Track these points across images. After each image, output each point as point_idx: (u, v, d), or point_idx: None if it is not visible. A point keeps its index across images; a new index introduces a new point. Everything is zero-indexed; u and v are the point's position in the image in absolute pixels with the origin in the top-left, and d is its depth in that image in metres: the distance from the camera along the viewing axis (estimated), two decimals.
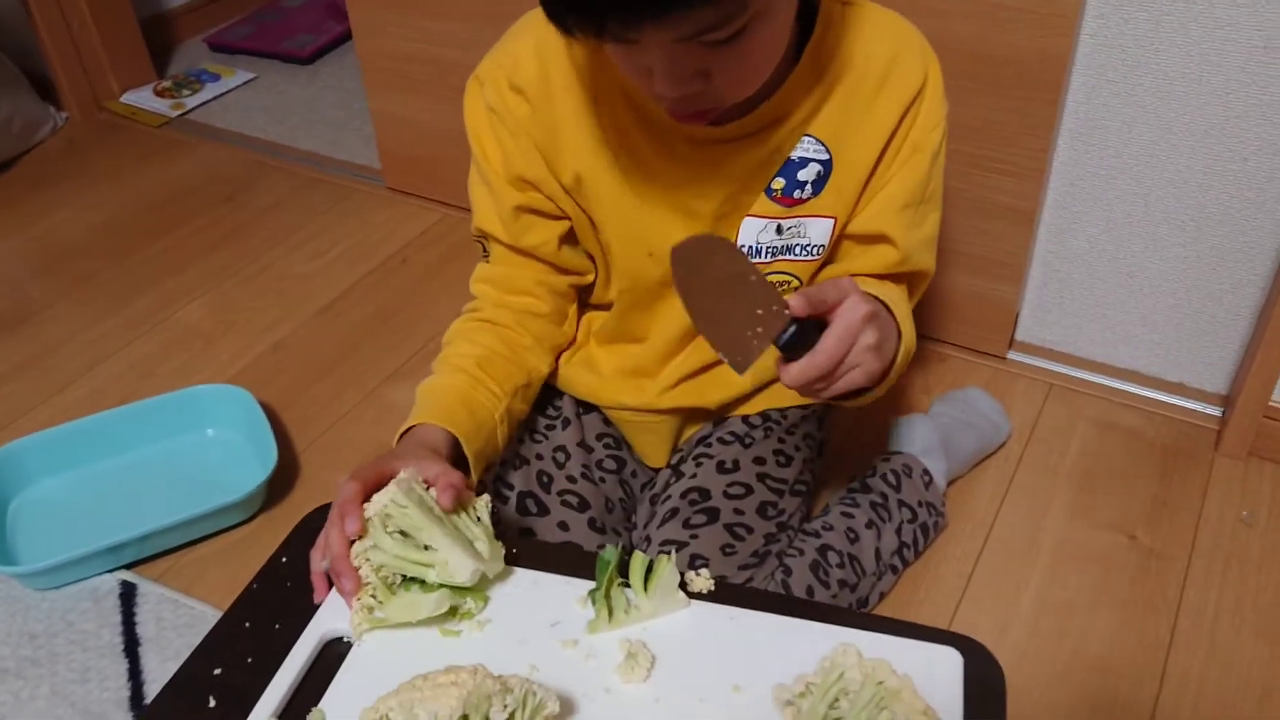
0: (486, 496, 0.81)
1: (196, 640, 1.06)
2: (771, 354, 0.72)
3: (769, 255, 0.93)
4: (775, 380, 1.04)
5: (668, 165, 0.87)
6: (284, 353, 1.46)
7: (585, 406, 1.07)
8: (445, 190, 1.72)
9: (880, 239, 0.90)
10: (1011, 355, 1.38)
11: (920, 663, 0.74)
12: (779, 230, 0.91)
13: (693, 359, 0.99)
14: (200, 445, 1.29)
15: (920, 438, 1.17)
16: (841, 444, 1.26)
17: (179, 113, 2.04)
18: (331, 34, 2.24)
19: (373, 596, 0.79)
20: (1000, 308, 1.35)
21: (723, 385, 1.01)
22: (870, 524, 1.06)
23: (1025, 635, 1.06)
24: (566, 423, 1.04)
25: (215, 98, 2.10)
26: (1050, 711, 0.99)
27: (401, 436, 0.86)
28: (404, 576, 0.78)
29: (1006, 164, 1.23)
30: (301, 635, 0.80)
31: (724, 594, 0.82)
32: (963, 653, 0.77)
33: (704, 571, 0.81)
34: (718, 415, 1.06)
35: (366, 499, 0.77)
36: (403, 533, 0.78)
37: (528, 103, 0.86)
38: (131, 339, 1.50)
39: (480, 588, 0.78)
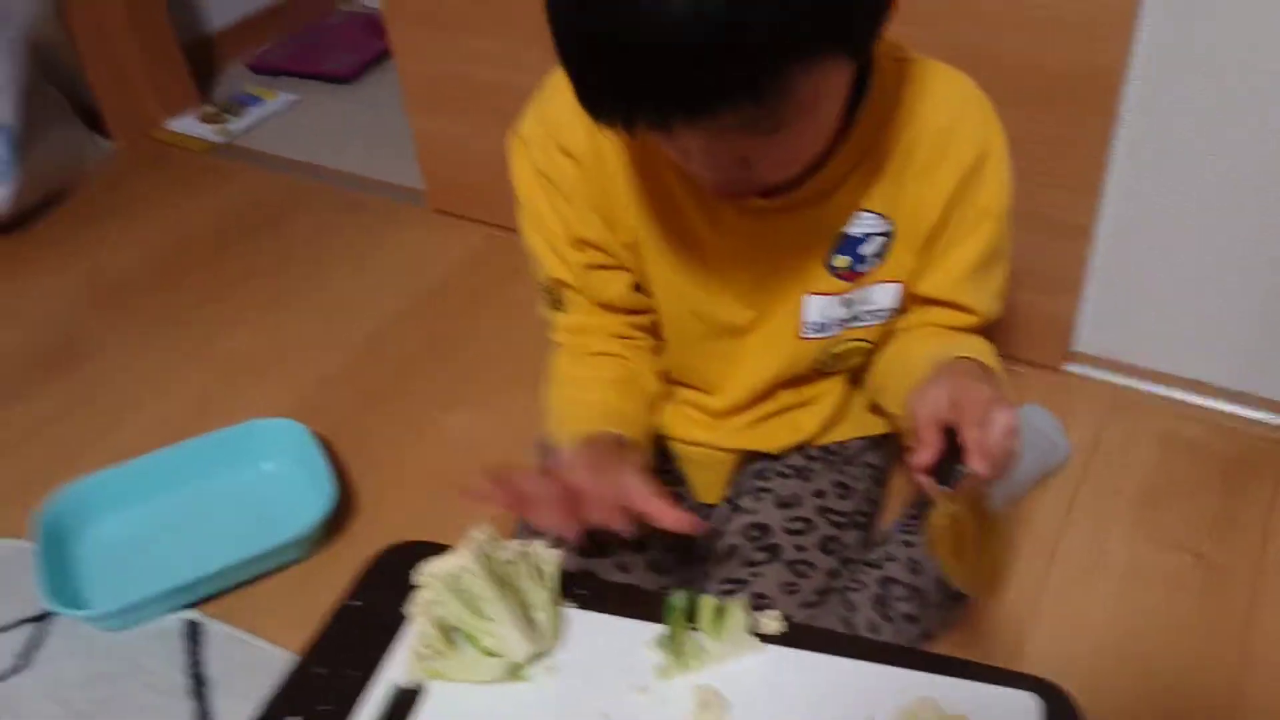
0: (558, 554, 0.81)
1: (262, 681, 1.07)
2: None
3: (837, 327, 0.91)
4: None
5: (714, 234, 0.85)
6: (334, 383, 1.47)
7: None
8: (489, 211, 1.72)
9: (955, 306, 0.88)
10: (1069, 367, 1.36)
11: (998, 710, 0.73)
12: (846, 304, 0.90)
13: (765, 406, 0.99)
14: (258, 480, 1.30)
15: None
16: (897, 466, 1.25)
17: (223, 138, 2.06)
18: (372, 51, 2.25)
19: (429, 646, 0.80)
20: (1057, 319, 1.33)
21: (792, 430, 1.01)
22: None
23: (1095, 661, 1.04)
24: None
25: (259, 121, 2.11)
26: None
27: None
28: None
29: (1061, 177, 1.20)
30: (375, 683, 0.81)
31: (795, 636, 0.81)
32: (1043, 698, 0.76)
33: (774, 613, 0.81)
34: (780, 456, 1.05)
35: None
36: (469, 594, 0.79)
37: (578, 166, 0.84)
38: (182, 373, 1.51)
39: (549, 636, 0.79)
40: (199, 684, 1.08)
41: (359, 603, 0.89)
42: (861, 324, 0.92)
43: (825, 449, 1.05)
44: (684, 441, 1.03)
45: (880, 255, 0.87)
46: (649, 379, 0.96)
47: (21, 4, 1.74)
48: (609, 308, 0.93)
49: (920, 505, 1.12)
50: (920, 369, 0.82)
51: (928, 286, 0.89)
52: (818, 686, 0.75)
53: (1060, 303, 1.31)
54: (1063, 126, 1.17)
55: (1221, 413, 1.28)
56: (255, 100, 2.16)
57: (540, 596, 0.80)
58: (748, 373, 0.95)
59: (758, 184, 0.75)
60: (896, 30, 0.68)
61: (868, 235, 0.86)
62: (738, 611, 0.76)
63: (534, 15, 1.61)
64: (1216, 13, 1.07)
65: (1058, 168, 1.20)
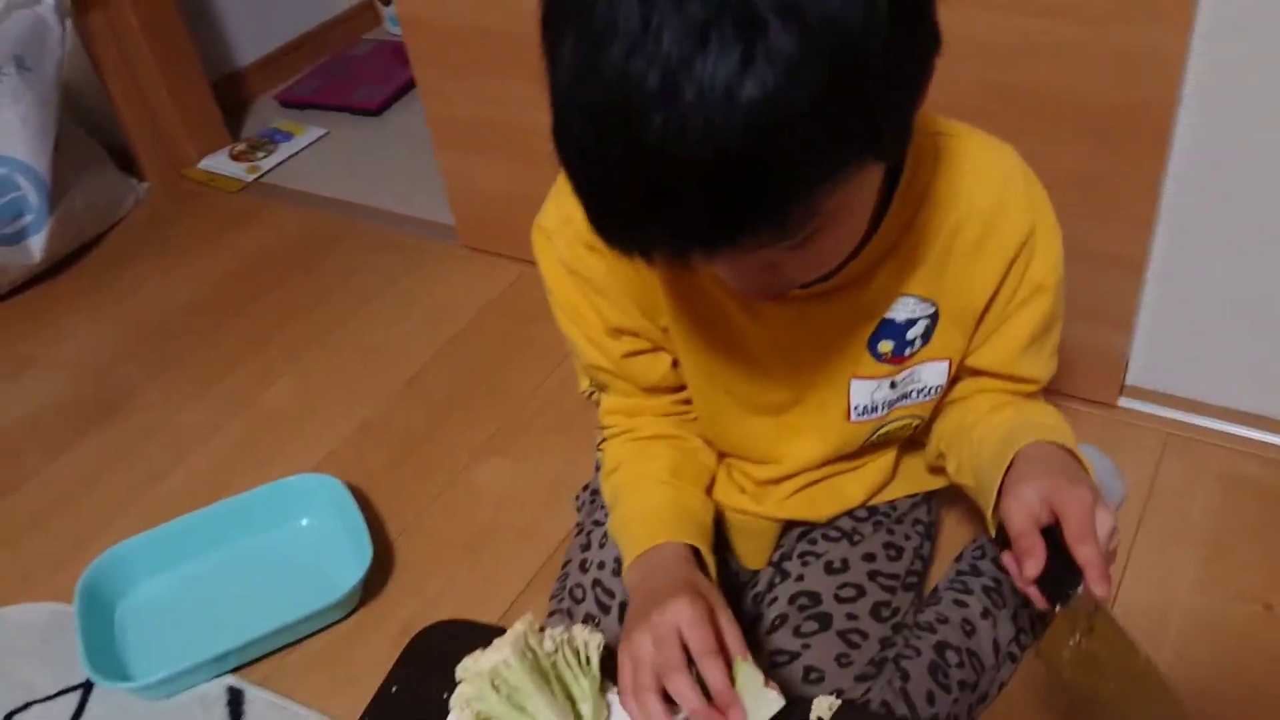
0: (600, 638, 0.79)
1: None
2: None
3: (885, 408, 0.89)
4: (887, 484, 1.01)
5: (751, 322, 0.83)
6: (370, 432, 1.46)
7: None
8: (520, 247, 1.68)
9: (1013, 379, 0.86)
10: (1123, 402, 1.31)
11: None
12: (893, 385, 0.87)
13: (812, 474, 0.96)
14: (295, 536, 1.29)
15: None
16: (945, 519, 1.21)
17: (255, 176, 2.06)
18: (398, 81, 2.24)
19: None
20: (1109, 354, 1.28)
21: (839, 498, 0.98)
22: (985, 613, 1.01)
23: None
24: None
25: (289, 158, 2.11)
26: None
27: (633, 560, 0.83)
28: None
29: (1111, 211, 1.16)
30: None
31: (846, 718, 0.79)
32: None
33: (827, 698, 0.79)
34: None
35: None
36: (510, 689, 0.77)
37: (604, 259, 0.81)
38: (220, 424, 1.51)
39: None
40: None
41: (395, 689, 0.88)
42: (911, 402, 0.89)
43: (873, 509, 1.02)
44: (728, 508, 1.00)
45: (926, 337, 0.84)
46: (705, 452, 0.95)
47: (52, 52, 1.74)
48: (654, 390, 0.91)
49: (974, 560, 1.09)
50: (992, 446, 0.81)
51: (983, 361, 0.85)
52: None
53: (1113, 338, 1.27)
54: (1113, 160, 1.13)
55: None
56: (285, 135, 2.16)
57: (583, 686, 0.78)
58: (798, 453, 0.93)
59: (788, 286, 0.71)
60: (942, 71, 0.63)
61: (913, 320, 0.82)
62: (745, 670, 0.74)
63: None
64: (1268, 44, 1.02)
65: (1108, 201, 1.16)
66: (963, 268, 0.80)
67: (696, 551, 0.83)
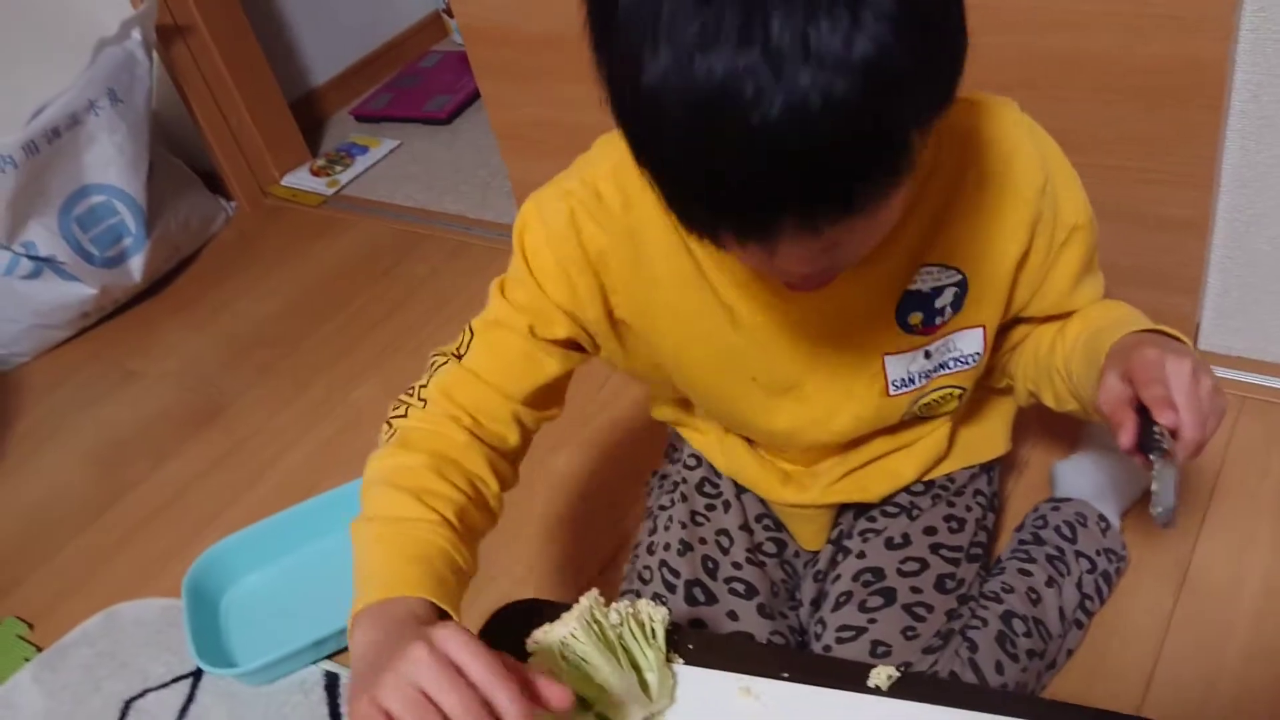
0: (665, 611, 0.82)
1: None
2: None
3: (923, 379, 0.89)
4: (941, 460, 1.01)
5: (772, 297, 0.82)
6: None
7: (741, 489, 1.06)
8: None
9: (1070, 314, 0.87)
10: None
11: None
12: (927, 355, 0.87)
13: (852, 458, 0.97)
14: None
15: (1091, 482, 1.11)
16: (1009, 490, 1.21)
17: (334, 189, 2.15)
18: (466, 91, 2.30)
19: (544, 714, 0.82)
20: (1177, 320, 1.25)
21: (888, 477, 0.99)
22: (1050, 581, 1.02)
23: (1236, 688, 0.99)
24: (728, 505, 1.04)
25: (365, 170, 2.19)
26: None
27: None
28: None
29: (1170, 174, 1.15)
30: None
31: (906, 687, 0.80)
32: None
33: (884, 667, 0.80)
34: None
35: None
36: (578, 662, 0.81)
37: (605, 235, 0.81)
38: (311, 426, 1.59)
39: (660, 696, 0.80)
40: None
41: None
42: (949, 372, 0.89)
43: (929, 484, 1.03)
44: (773, 502, 1.02)
45: (956, 305, 0.84)
46: (492, 502, 0.86)
47: (141, 83, 1.85)
48: (532, 382, 0.86)
49: (1035, 529, 1.09)
50: (1079, 366, 0.83)
51: (1037, 309, 0.86)
52: None
53: (1181, 302, 1.25)
54: (1169, 122, 1.11)
55: None
56: (360, 149, 2.25)
57: (649, 656, 0.81)
58: (837, 432, 0.93)
59: (841, 268, 0.73)
60: (989, 40, 0.64)
61: (940, 289, 0.83)
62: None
63: None
64: None
65: (1167, 163, 1.14)
66: (985, 231, 0.80)
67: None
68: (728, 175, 0.57)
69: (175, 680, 1.23)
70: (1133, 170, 1.17)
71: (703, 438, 1.06)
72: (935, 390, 0.90)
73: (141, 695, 1.22)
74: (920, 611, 0.94)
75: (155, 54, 1.89)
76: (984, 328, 0.86)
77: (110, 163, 1.82)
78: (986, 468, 1.07)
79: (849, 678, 0.81)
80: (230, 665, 1.21)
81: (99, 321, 1.92)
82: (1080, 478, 1.11)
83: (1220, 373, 1.28)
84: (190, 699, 1.21)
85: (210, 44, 2.02)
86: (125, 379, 1.79)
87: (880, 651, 0.92)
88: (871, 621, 0.94)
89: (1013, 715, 0.76)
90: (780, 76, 0.52)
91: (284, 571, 1.33)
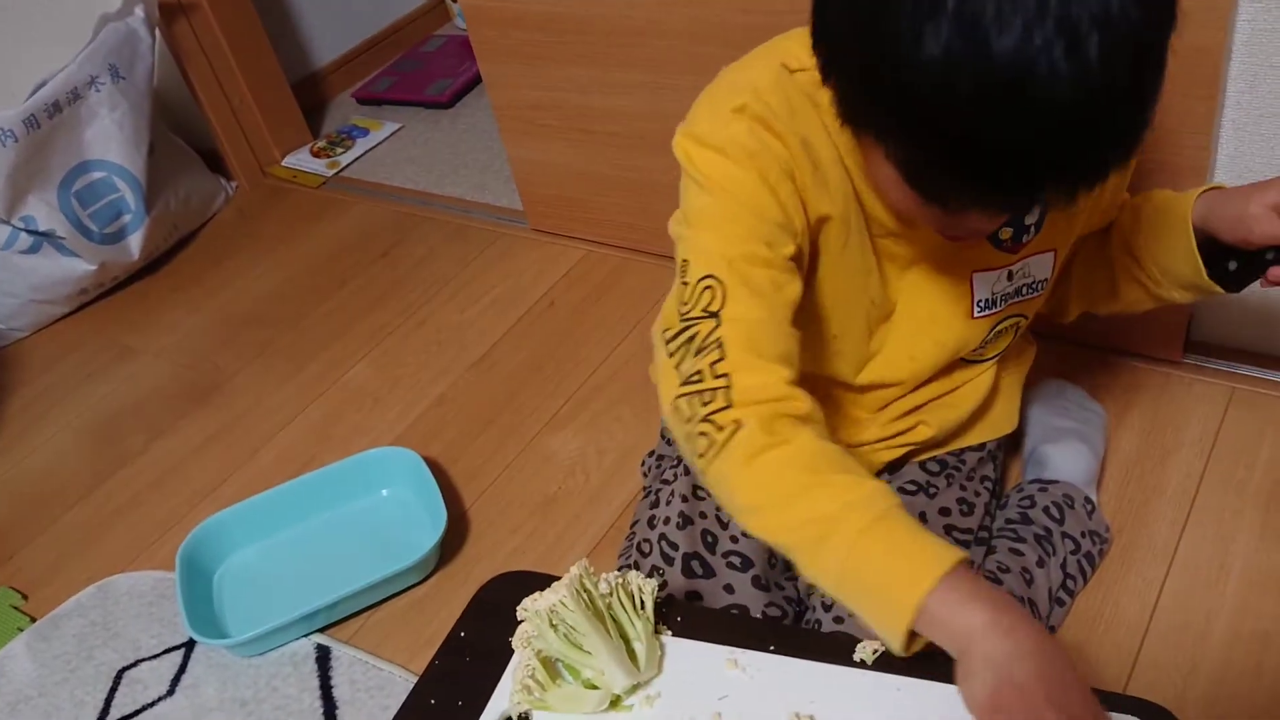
0: (654, 583, 0.83)
1: (387, 701, 1.14)
2: None
3: (1002, 302, 0.92)
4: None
5: (898, 230, 0.85)
6: (446, 406, 1.53)
7: None
8: (585, 228, 1.75)
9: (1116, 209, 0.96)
10: (1187, 358, 1.30)
11: None
12: (1009, 277, 0.90)
13: (911, 399, 0.99)
14: (376, 506, 1.37)
15: (1083, 466, 1.12)
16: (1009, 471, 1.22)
17: (335, 171, 2.15)
18: (467, 75, 2.31)
19: (533, 678, 0.83)
20: (1171, 311, 1.26)
21: (944, 412, 1.00)
22: (1040, 561, 1.03)
23: (1218, 671, 1.00)
24: None
25: (366, 152, 2.20)
26: None
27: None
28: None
29: (1166, 164, 1.15)
30: (484, 713, 0.85)
31: (892, 660, 0.81)
32: None
33: (869, 642, 0.81)
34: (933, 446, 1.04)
35: None
36: (567, 629, 0.81)
37: (784, 145, 0.79)
38: (307, 403, 1.59)
39: (647, 666, 0.80)
40: (330, 706, 1.14)
41: (463, 633, 0.93)
42: (1021, 298, 0.93)
43: (942, 463, 1.04)
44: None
45: (1039, 225, 0.88)
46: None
47: (143, 60, 1.85)
48: (787, 310, 0.79)
49: (1022, 509, 1.09)
50: (1148, 232, 0.91)
51: (1096, 222, 0.95)
52: (915, 713, 0.74)
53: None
54: (1165, 112, 1.10)
55: None
56: (362, 131, 2.25)
57: (638, 627, 0.82)
58: (914, 360, 0.94)
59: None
60: None
61: None
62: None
63: (614, 41, 1.63)
64: None
65: (1163, 154, 1.15)
66: None
67: None
68: (1010, 148, 0.60)
69: (167, 651, 1.24)
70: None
71: None
72: (1008, 318, 0.93)
73: (134, 665, 1.23)
74: None
75: (158, 31, 1.89)
76: (1055, 252, 0.91)
77: (111, 139, 1.82)
78: (993, 455, 1.08)
79: (835, 651, 0.82)
80: (222, 637, 1.22)
81: (97, 298, 1.93)
82: (1072, 461, 1.12)
83: (1212, 364, 1.29)
84: (182, 669, 1.21)
85: (213, 22, 2.02)
86: (123, 355, 1.79)
87: None
88: None
89: None
90: (1073, 53, 0.56)
91: (277, 546, 1.34)
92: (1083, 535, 1.07)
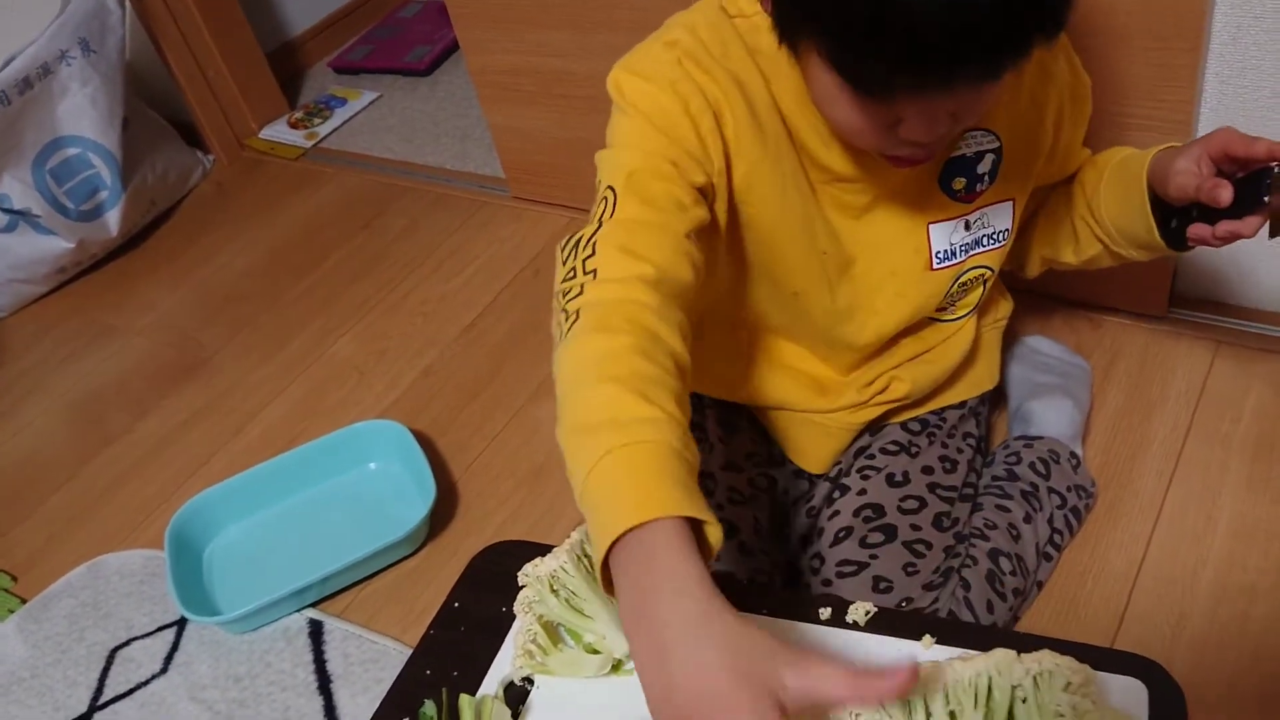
0: None
1: (381, 674, 1.14)
2: None
3: (963, 253, 0.93)
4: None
5: (843, 165, 0.85)
6: (433, 378, 1.52)
7: (729, 429, 1.07)
8: (567, 194, 1.74)
9: (1072, 176, 0.97)
10: (1173, 313, 1.30)
11: (1101, 693, 0.72)
12: (967, 226, 0.91)
13: (886, 359, 1.00)
14: (365, 479, 1.36)
15: (1068, 420, 1.12)
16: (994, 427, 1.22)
17: (313, 142, 2.13)
18: (445, 42, 2.28)
19: (534, 643, 0.84)
20: (1155, 265, 1.26)
21: (920, 372, 1.01)
22: (1027, 517, 1.03)
23: (1205, 624, 1.00)
24: (711, 447, 1.05)
25: (344, 122, 2.17)
26: (1236, 706, 0.94)
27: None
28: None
29: (1148, 119, 1.14)
30: (483, 682, 0.85)
31: (883, 622, 0.82)
32: (1148, 682, 0.75)
33: (864, 604, 0.81)
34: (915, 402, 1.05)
35: None
36: (568, 593, 0.82)
37: (715, 84, 0.80)
38: (293, 378, 1.58)
39: None
40: (324, 680, 1.15)
41: (457, 604, 0.93)
42: (983, 249, 0.93)
43: (923, 422, 1.04)
44: (797, 409, 1.03)
45: (993, 175, 0.88)
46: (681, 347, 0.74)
47: (114, 33, 1.82)
48: (679, 210, 0.78)
49: (1009, 466, 1.10)
50: (1114, 195, 0.91)
51: (1053, 174, 0.95)
52: None
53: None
54: (1146, 66, 1.11)
55: None
56: (339, 101, 2.22)
57: None
58: (877, 314, 0.95)
59: (949, 139, 0.77)
60: None
61: (981, 154, 0.87)
62: (494, 704, 0.80)
63: (594, 3, 1.60)
64: None
65: (1146, 107, 1.14)
66: (1018, 97, 0.86)
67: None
68: (925, 17, 0.61)
69: (160, 629, 1.24)
70: (1112, 114, 1.16)
71: (715, 376, 1.05)
72: (971, 269, 0.93)
73: (126, 644, 1.23)
74: (920, 548, 0.95)
75: (128, 3, 1.86)
76: (1014, 201, 0.92)
77: (84, 114, 1.79)
78: (974, 412, 1.08)
79: (820, 612, 0.83)
80: (214, 614, 1.21)
81: (76, 276, 1.90)
82: (1057, 416, 1.12)
83: (1196, 317, 1.29)
84: (175, 647, 1.21)
85: None
86: (104, 333, 1.77)
87: (882, 586, 0.93)
88: (873, 557, 0.95)
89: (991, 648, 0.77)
90: None
91: (266, 522, 1.33)
92: (1068, 490, 1.07)
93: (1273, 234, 0.81)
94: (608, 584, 0.64)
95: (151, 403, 1.61)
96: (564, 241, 0.78)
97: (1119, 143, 1.18)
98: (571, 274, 0.75)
